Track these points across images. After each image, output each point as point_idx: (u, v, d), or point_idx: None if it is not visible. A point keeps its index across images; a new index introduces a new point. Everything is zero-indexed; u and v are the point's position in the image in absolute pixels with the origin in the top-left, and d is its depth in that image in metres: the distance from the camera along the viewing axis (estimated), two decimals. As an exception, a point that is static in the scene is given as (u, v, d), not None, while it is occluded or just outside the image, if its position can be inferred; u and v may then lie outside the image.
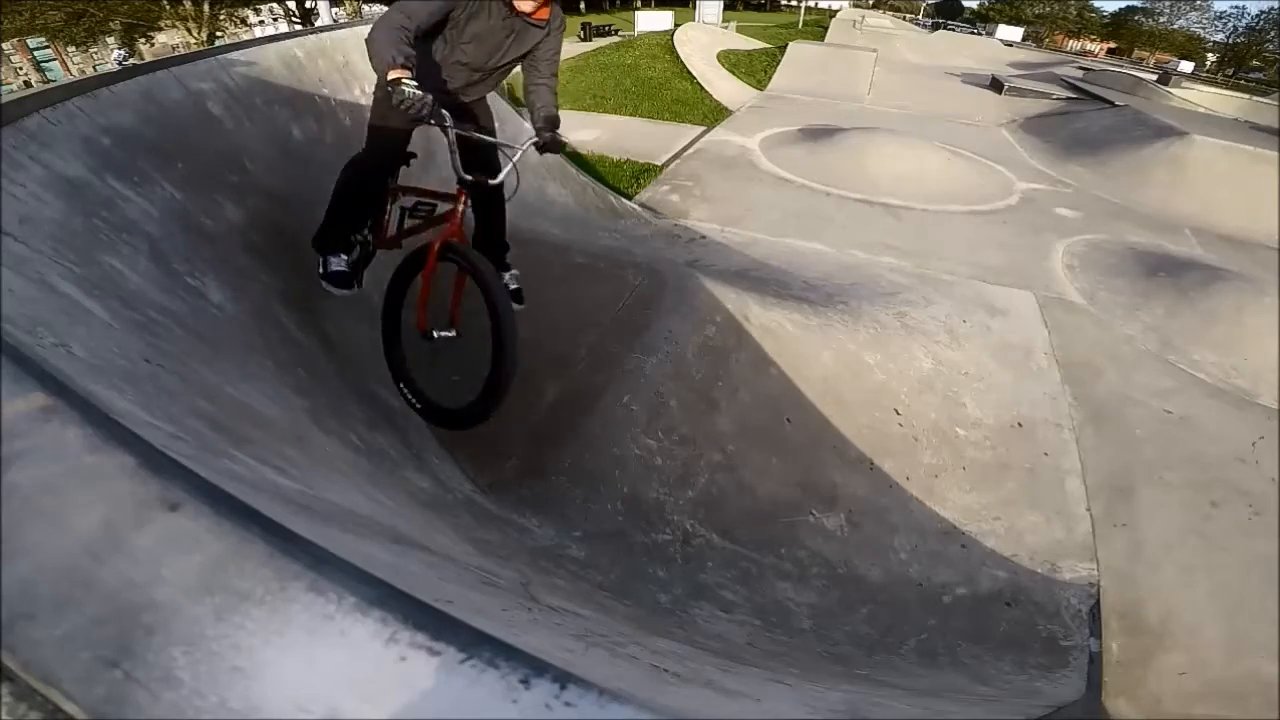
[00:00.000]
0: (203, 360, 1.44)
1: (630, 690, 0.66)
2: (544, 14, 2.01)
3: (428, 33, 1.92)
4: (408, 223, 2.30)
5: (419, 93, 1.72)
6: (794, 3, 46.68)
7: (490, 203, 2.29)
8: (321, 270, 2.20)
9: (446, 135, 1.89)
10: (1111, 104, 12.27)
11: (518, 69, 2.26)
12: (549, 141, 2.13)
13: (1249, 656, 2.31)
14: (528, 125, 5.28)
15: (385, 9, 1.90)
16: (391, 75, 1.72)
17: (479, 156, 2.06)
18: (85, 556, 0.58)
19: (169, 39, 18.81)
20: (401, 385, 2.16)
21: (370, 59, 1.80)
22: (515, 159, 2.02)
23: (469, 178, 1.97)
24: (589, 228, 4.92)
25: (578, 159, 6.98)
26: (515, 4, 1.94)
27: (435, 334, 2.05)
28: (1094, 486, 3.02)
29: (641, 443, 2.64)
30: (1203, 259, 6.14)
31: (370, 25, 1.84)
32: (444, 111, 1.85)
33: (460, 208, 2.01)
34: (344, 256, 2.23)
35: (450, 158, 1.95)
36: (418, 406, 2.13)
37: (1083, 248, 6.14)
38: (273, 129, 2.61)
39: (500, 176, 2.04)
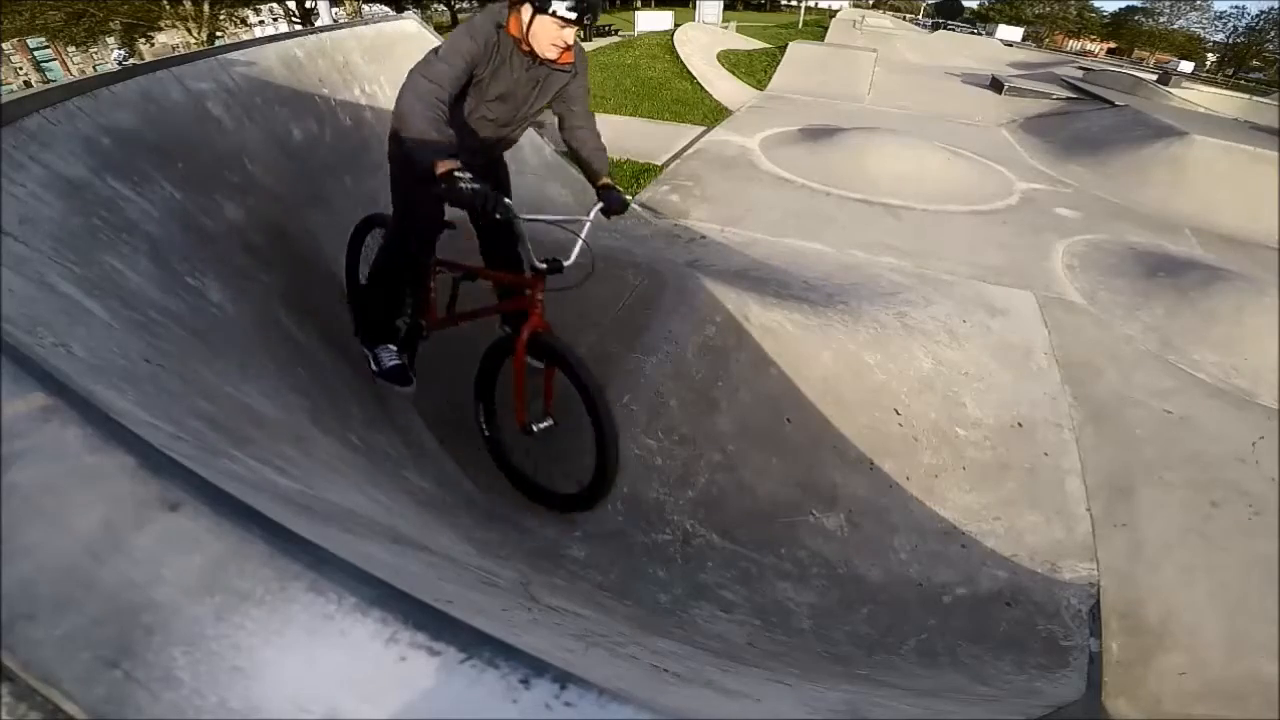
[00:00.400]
0: (203, 360, 1.44)
1: (630, 690, 0.66)
2: (568, 58, 1.91)
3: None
4: (468, 306, 2.16)
5: (476, 185, 1.57)
6: (794, 3, 46.68)
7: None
8: (375, 368, 2.06)
9: (515, 227, 1.77)
10: (1111, 104, 12.27)
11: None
12: (614, 203, 2.01)
13: (1249, 656, 2.31)
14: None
15: (415, 75, 1.78)
16: (441, 169, 1.58)
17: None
18: (85, 556, 0.58)
19: (169, 39, 18.82)
20: (509, 474, 2.10)
21: (403, 132, 1.66)
22: (584, 234, 1.88)
23: (543, 266, 1.84)
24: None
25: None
26: (540, 54, 1.82)
27: (535, 427, 1.97)
28: (1094, 486, 3.02)
29: (641, 443, 2.64)
30: (1203, 259, 6.14)
31: (406, 85, 1.71)
32: (507, 201, 1.70)
33: (540, 297, 1.88)
34: (393, 348, 2.09)
35: (520, 250, 1.82)
36: (525, 490, 2.09)
37: (1083, 248, 6.14)
38: (273, 129, 2.61)
39: (572, 257, 1.87)
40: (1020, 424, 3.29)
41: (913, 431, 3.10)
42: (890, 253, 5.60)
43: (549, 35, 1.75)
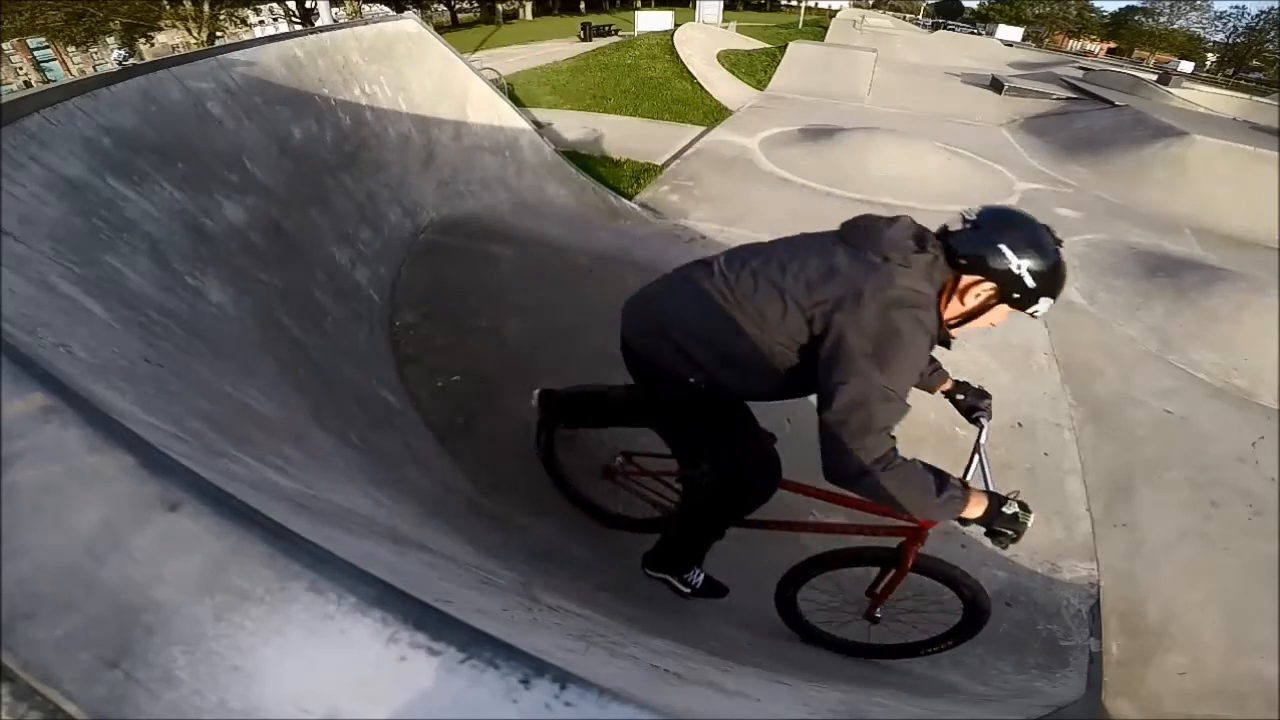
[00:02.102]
0: (203, 360, 1.44)
1: (630, 690, 0.66)
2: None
3: None
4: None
5: (1025, 510, 1.36)
6: (794, 3, 46.67)
7: None
8: (685, 590, 1.89)
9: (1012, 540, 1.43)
10: (1111, 104, 12.27)
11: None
12: (977, 402, 1.77)
13: (1249, 656, 2.31)
14: (528, 126, 5.25)
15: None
16: (973, 510, 1.34)
17: None
18: (85, 556, 0.58)
19: (169, 39, 18.83)
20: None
21: (880, 499, 1.31)
22: (984, 457, 1.57)
23: None
24: (589, 228, 4.92)
25: (577, 159, 6.98)
26: (957, 333, 1.44)
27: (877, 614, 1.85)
28: (1094, 486, 3.02)
29: (641, 443, 2.64)
30: (1203, 259, 6.14)
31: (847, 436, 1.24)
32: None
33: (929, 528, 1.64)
34: (698, 567, 1.91)
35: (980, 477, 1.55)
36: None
37: (1083, 248, 6.14)
38: (273, 129, 2.61)
39: (969, 473, 1.55)
40: (1020, 424, 3.29)
41: (913, 431, 3.10)
42: (890, 253, 5.60)
43: (995, 317, 1.38)
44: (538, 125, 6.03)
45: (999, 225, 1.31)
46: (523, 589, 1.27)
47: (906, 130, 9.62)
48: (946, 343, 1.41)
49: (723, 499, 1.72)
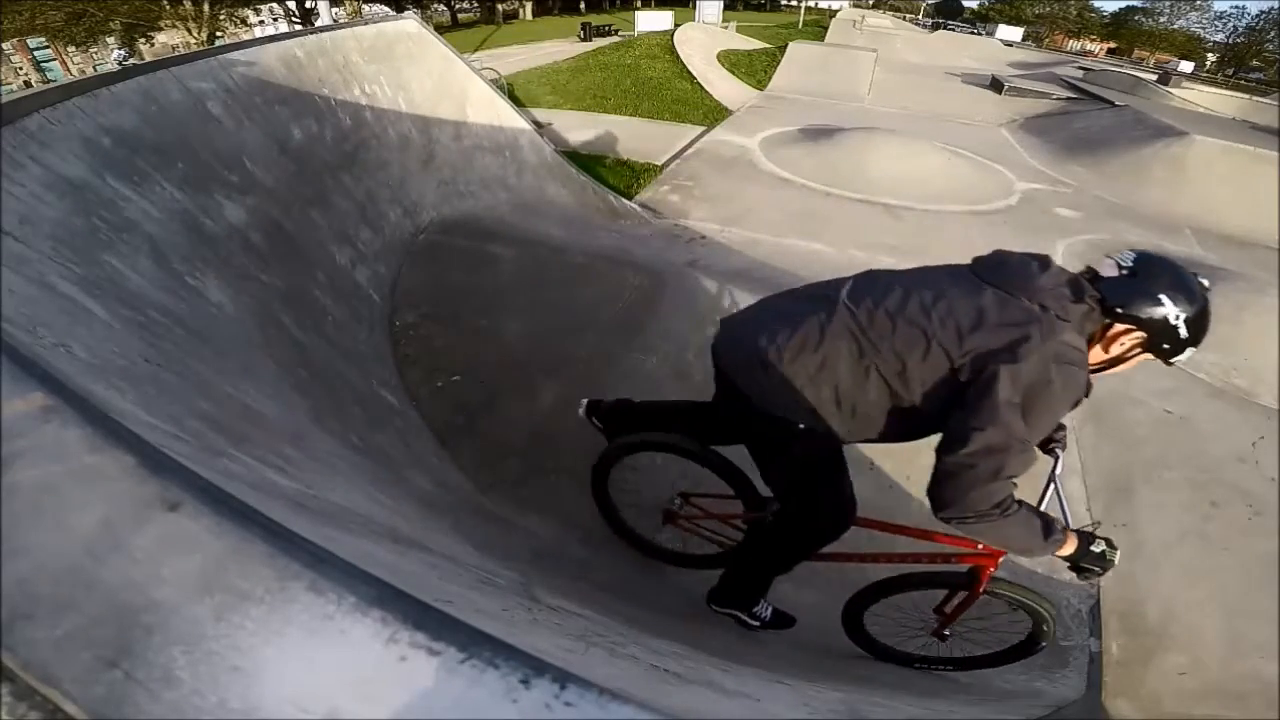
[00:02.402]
0: (203, 360, 1.44)
1: (630, 690, 0.66)
2: None
3: None
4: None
5: (1111, 548, 1.42)
6: (794, 3, 46.68)
7: None
8: (755, 623, 1.89)
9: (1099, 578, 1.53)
10: (1111, 104, 12.27)
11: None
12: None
13: (1249, 656, 2.31)
14: (528, 126, 5.25)
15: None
16: (1068, 550, 1.40)
17: None
18: (85, 556, 0.58)
19: (169, 39, 18.84)
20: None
21: (993, 540, 1.36)
22: (1059, 488, 1.59)
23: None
24: (589, 228, 4.92)
25: (577, 159, 6.99)
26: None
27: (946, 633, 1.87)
28: (1094, 486, 3.02)
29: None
30: (1203, 259, 6.14)
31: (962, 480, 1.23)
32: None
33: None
34: (764, 600, 1.90)
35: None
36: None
37: (1083, 248, 6.14)
38: (273, 129, 2.61)
39: (1043, 503, 1.57)
40: (1020, 424, 3.28)
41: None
42: (890, 253, 5.60)
43: (1132, 365, 1.36)
44: (538, 125, 6.03)
45: (1157, 273, 1.25)
46: (523, 589, 1.27)
47: (906, 130, 9.62)
48: (1088, 392, 1.30)
49: (793, 537, 1.69)
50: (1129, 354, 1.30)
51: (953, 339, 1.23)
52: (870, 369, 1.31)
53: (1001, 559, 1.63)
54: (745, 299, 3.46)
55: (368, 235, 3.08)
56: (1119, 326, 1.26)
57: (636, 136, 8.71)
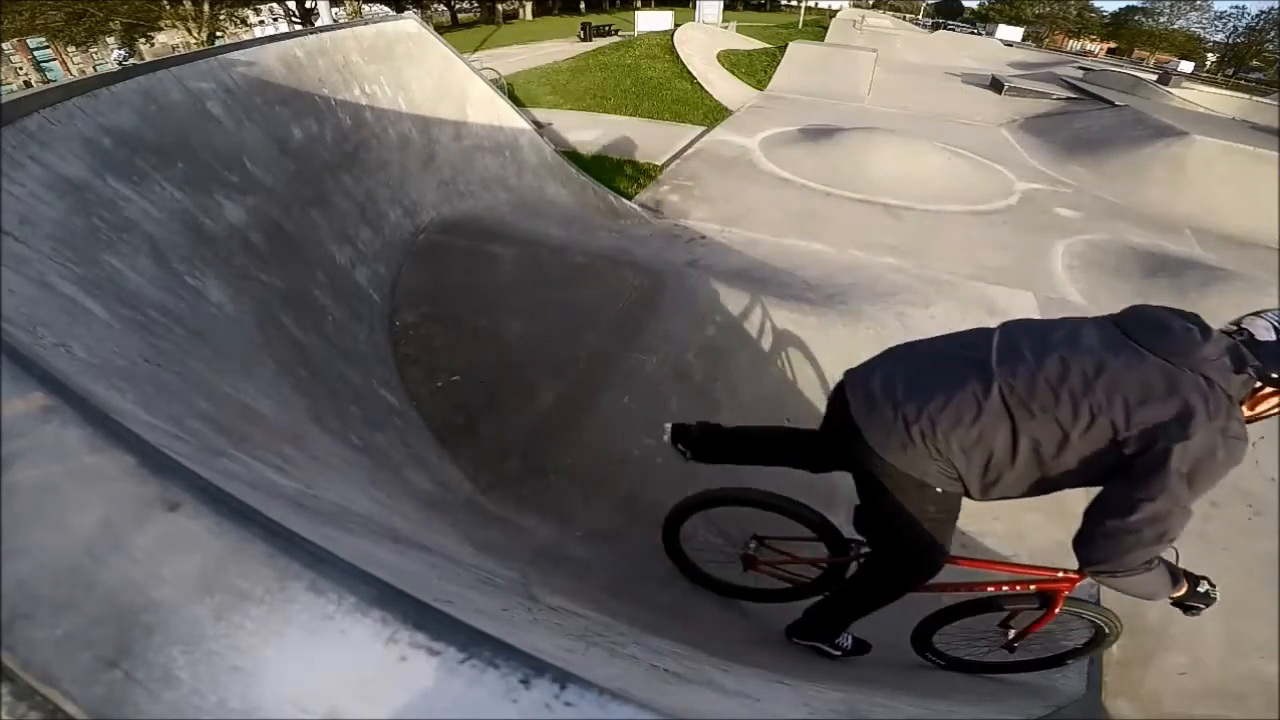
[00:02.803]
0: (203, 360, 1.44)
1: (630, 690, 0.66)
2: None
3: None
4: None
5: (1211, 589, 1.50)
6: (794, 3, 46.69)
7: None
8: (836, 653, 1.95)
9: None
10: (1111, 104, 12.27)
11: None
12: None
13: (1249, 656, 2.31)
14: (528, 126, 5.25)
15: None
16: (1180, 593, 1.46)
17: None
18: (85, 556, 0.58)
19: (169, 39, 18.83)
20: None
21: (1132, 590, 1.38)
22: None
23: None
24: (589, 228, 4.92)
25: (577, 159, 6.98)
26: None
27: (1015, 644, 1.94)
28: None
29: (641, 443, 2.64)
30: (1203, 259, 6.14)
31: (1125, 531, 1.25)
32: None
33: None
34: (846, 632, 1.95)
35: None
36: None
37: (1083, 248, 6.14)
38: (273, 129, 2.61)
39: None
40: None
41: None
42: (890, 253, 5.60)
43: (1258, 423, 1.38)
44: (538, 125, 6.03)
45: None
46: (522, 589, 1.27)
47: (906, 130, 9.63)
48: None
49: (885, 585, 1.70)
50: (1270, 412, 1.33)
51: (1120, 414, 1.23)
52: (1026, 441, 1.30)
53: (1078, 584, 1.69)
54: (746, 298, 3.46)
55: (368, 235, 3.08)
56: (1269, 389, 1.27)
57: (636, 136, 8.71)
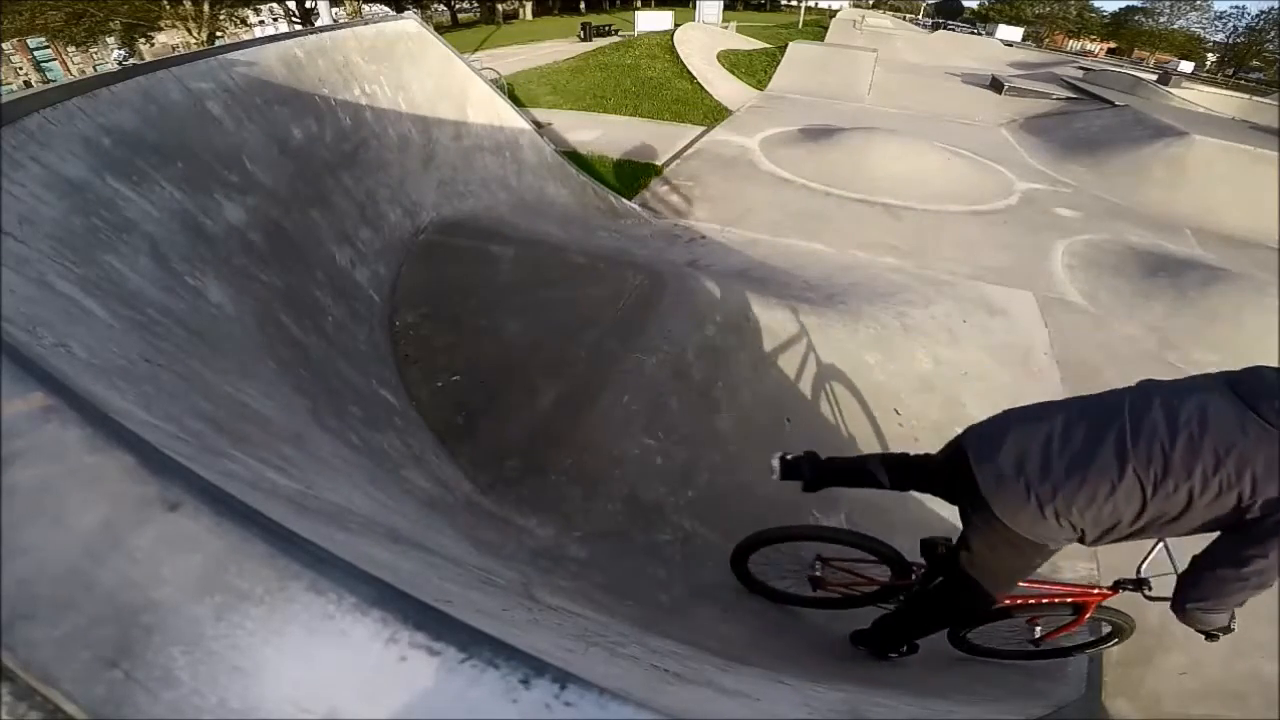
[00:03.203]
0: (203, 360, 1.44)
1: (630, 690, 0.66)
2: None
3: None
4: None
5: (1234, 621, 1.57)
6: (794, 3, 46.69)
7: None
8: (893, 654, 2.07)
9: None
10: (1111, 104, 12.28)
11: None
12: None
13: (1249, 656, 2.31)
14: (528, 126, 5.25)
15: None
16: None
17: None
18: (85, 556, 0.58)
19: (169, 39, 18.83)
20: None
21: (1212, 609, 1.47)
22: (1167, 543, 1.71)
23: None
24: (589, 228, 4.93)
25: (577, 159, 6.98)
26: None
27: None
28: (1094, 486, 3.01)
29: (641, 443, 2.64)
30: (1203, 259, 6.14)
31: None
32: None
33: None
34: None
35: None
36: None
37: (1083, 248, 6.14)
38: (273, 129, 2.61)
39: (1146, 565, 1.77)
40: (1020, 424, 3.27)
41: (912, 431, 3.10)
42: (890, 253, 5.60)
43: None
44: (538, 125, 6.03)
45: None
46: (522, 589, 1.27)
47: (906, 130, 9.63)
48: None
49: (948, 613, 1.84)
50: None
51: (1248, 487, 1.29)
52: (1154, 509, 1.36)
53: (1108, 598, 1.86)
54: (746, 298, 3.46)
55: (368, 235, 3.09)
56: None
57: (637, 136, 8.71)
